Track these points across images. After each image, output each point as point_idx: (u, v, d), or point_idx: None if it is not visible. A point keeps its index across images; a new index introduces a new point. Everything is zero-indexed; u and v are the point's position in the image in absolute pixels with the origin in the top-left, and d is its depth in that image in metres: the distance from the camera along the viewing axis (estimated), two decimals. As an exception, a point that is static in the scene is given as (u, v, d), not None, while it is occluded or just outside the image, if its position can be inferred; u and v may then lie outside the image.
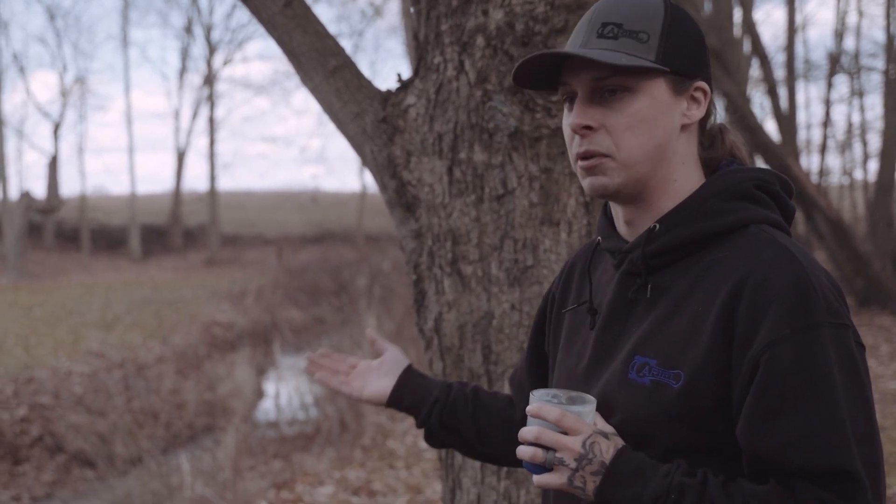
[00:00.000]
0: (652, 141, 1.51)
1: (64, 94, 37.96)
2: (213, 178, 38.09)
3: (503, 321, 2.61)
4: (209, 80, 38.55)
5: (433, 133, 2.64)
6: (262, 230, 41.81)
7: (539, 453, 1.48)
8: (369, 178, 42.50)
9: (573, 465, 1.46)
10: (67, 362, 13.00)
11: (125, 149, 68.33)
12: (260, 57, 71.74)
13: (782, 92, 18.95)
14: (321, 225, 41.47)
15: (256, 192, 56.46)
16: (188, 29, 39.31)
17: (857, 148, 25.63)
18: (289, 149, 78.33)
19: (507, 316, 2.59)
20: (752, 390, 1.40)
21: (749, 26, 18.26)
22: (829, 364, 1.37)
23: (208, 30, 38.49)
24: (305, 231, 40.61)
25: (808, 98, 49.67)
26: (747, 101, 15.11)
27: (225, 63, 40.00)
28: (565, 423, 1.47)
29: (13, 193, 33.24)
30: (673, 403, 1.46)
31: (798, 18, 20.25)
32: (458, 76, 2.55)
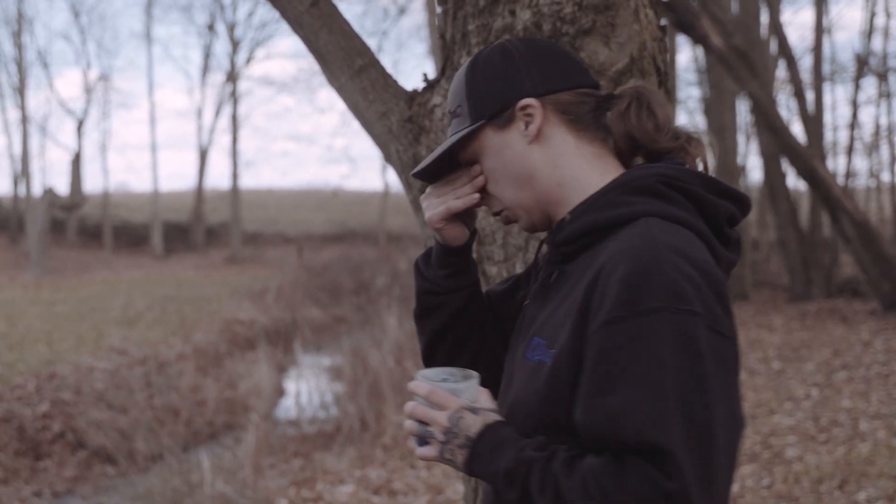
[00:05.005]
0: (513, 178, 1.68)
1: (88, 91, 38.23)
2: (235, 175, 38.22)
3: (527, 323, 2.58)
4: (232, 77, 38.68)
5: (459, 133, 2.60)
6: (283, 228, 41.94)
7: (415, 427, 1.61)
8: (392, 177, 42.53)
9: (441, 438, 1.58)
10: (89, 358, 13.06)
11: (148, 146, 68.42)
12: (282, 55, 71.96)
13: (809, 94, 18.83)
14: (343, 224, 41.59)
15: (278, 190, 56.50)
16: (211, 26, 39.46)
17: (885, 150, 25.48)
18: (312, 147, 78.12)
19: (532, 318, 2.57)
20: (585, 368, 1.47)
21: (776, 27, 18.17)
22: (662, 347, 1.39)
23: (231, 27, 38.62)
24: (327, 230, 40.73)
25: (835, 100, 49.26)
26: (773, 102, 15.01)
27: (248, 61, 40.12)
28: (434, 399, 1.59)
29: (36, 190, 33.53)
30: (543, 381, 1.55)
31: (825, 20, 20.10)
32: (484, 76, 2.53)
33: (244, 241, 38.00)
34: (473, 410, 1.58)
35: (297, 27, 2.75)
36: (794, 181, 21.05)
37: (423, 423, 1.60)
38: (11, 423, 10.38)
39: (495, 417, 1.59)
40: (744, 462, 7.27)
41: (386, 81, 2.75)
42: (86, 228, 38.47)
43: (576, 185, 1.64)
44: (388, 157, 2.79)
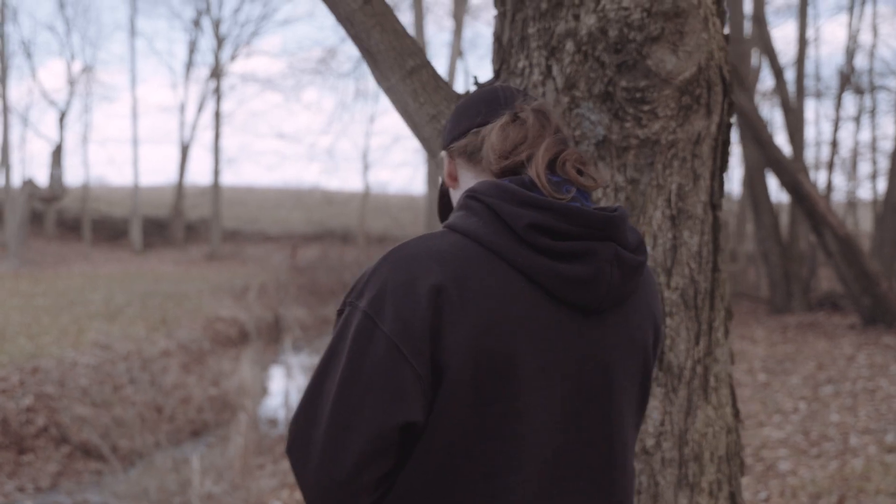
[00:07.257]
0: None
1: (71, 82, 37.87)
2: (216, 172, 37.96)
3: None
4: (216, 73, 38.45)
5: (514, 138, 2.55)
6: (263, 227, 41.72)
7: None
8: (372, 178, 42.24)
9: None
10: (72, 353, 12.91)
11: (129, 140, 67.48)
12: (267, 53, 71.59)
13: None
14: (322, 223, 41.40)
15: (259, 188, 56.15)
16: (196, 22, 39.22)
17: (865, 166, 25.62)
18: (294, 146, 77.50)
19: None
20: None
21: (764, 40, 18.25)
22: (337, 336, 1.64)
23: (217, 23, 38.39)
24: (306, 229, 40.55)
25: (818, 115, 49.41)
26: (760, 116, 15.06)
27: (232, 57, 39.88)
28: None
29: (16, 181, 33.20)
30: None
31: (809, 33, 20.24)
32: (544, 81, 2.48)
33: (224, 238, 37.76)
34: None
35: (348, 25, 2.69)
36: (775, 194, 21.16)
37: None
38: (-5, 416, 10.25)
39: None
40: (740, 474, 7.27)
41: (437, 84, 2.70)
42: (64, 221, 38.13)
43: None
44: (438, 162, 2.75)
